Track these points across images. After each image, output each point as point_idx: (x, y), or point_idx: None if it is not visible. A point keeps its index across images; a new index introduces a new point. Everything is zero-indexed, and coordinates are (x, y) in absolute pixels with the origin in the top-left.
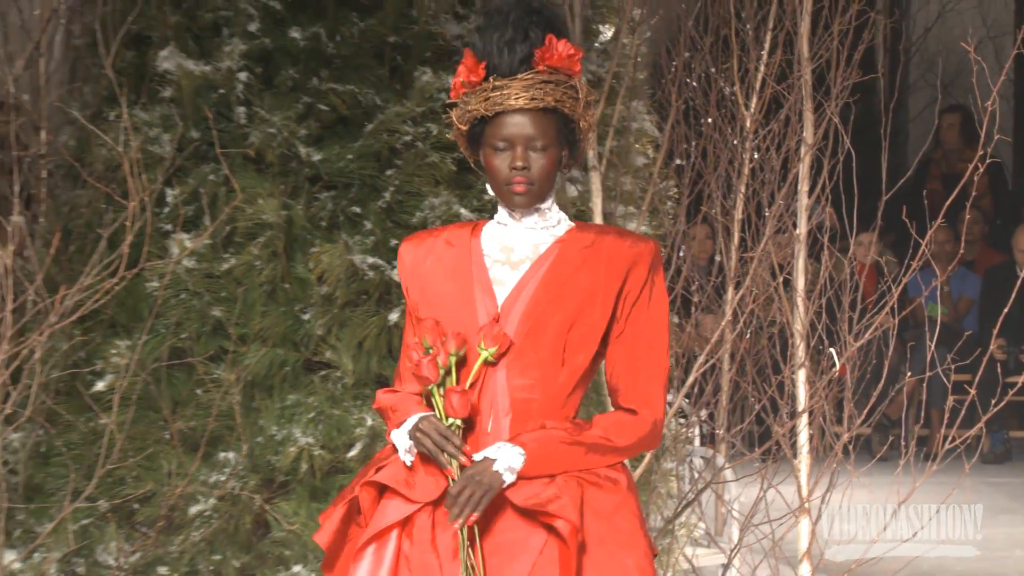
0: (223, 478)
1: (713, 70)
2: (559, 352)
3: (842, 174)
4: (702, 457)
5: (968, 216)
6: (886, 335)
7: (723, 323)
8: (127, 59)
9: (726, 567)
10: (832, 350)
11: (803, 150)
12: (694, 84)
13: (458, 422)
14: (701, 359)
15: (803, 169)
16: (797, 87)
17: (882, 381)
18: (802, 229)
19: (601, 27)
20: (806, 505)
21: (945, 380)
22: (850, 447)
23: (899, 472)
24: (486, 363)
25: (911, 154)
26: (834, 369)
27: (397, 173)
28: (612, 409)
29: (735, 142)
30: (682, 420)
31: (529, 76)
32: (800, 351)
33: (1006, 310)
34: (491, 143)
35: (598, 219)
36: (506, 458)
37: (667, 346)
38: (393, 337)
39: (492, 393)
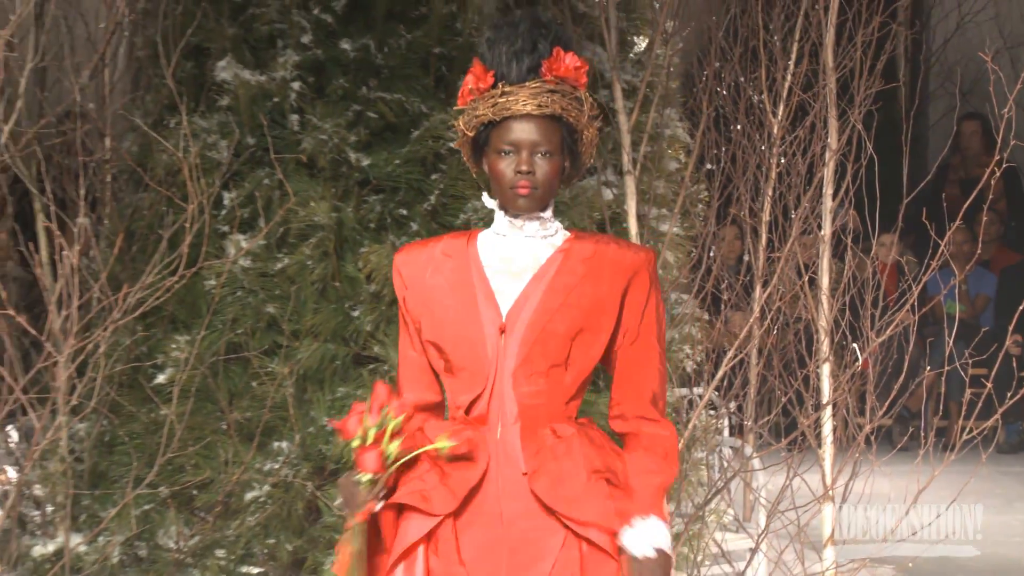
0: (277, 466)
1: (742, 79)
2: (564, 359)
3: (865, 178)
4: (731, 447)
5: (985, 218)
6: (907, 331)
7: (751, 320)
8: (187, 70)
9: (753, 551)
10: (855, 345)
11: (828, 155)
12: (724, 93)
13: (367, 477)
14: (730, 354)
15: (828, 173)
16: (822, 95)
17: (903, 375)
18: (827, 230)
19: (636, 39)
20: (830, 492)
21: (963, 374)
22: (872, 438)
23: (919, 461)
24: (438, 453)
25: (931, 159)
26: (857, 363)
27: (441, 177)
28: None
29: (763, 148)
30: (712, 412)
31: (536, 84)
32: (824, 346)
33: (1021, 307)
34: (497, 147)
35: (633, 220)
36: (653, 537)
37: (664, 350)
38: None
39: (500, 401)
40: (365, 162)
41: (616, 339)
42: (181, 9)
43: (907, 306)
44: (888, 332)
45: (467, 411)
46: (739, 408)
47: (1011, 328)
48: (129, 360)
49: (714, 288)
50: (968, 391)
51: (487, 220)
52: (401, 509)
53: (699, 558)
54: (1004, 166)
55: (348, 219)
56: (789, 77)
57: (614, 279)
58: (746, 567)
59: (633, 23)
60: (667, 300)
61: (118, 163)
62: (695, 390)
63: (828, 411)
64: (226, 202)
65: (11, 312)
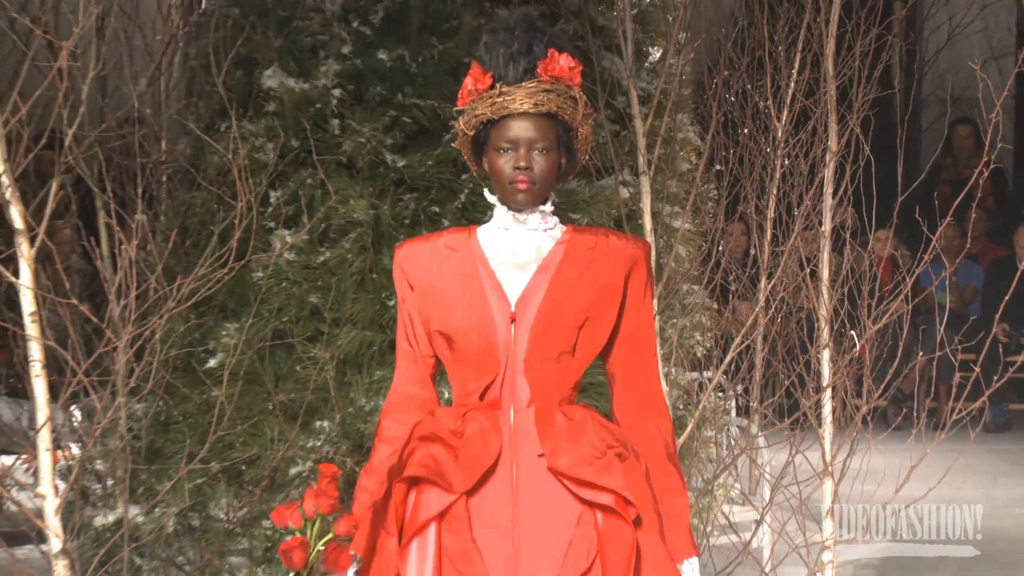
0: (319, 444)
1: (749, 87)
2: (572, 346)
3: (862, 178)
4: (738, 426)
5: (974, 215)
6: (901, 320)
7: (757, 309)
8: (236, 78)
9: (758, 523)
10: (853, 332)
11: (828, 157)
12: (732, 99)
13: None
14: (737, 340)
15: (828, 174)
16: (823, 101)
17: (897, 360)
18: (827, 226)
19: (651, 49)
20: (829, 468)
21: (952, 359)
22: (869, 418)
23: (911, 440)
24: None
25: (924, 161)
26: (855, 349)
27: (471, 177)
28: (611, 387)
29: (768, 150)
30: (720, 394)
31: (532, 84)
32: (824, 333)
33: (1007, 297)
34: (496, 145)
35: (647, 217)
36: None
37: (656, 336)
38: None
39: (512, 387)
40: (400, 163)
41: (619, 327)
42: (231, 22)
43: (901, 296)
44: (883, 320)
45: (481, 396)
46: (745, 390)
47: (997, 317)
48: (183, 346)
49: (723, 279)
50: (957, 375)
51: None
52: (411, 484)
53: (708, 528)
54: (992, 167)
55: (385, 216)
56: (792, 84)
57: (617, 267)
58: (752, 537)
59: (648, 35)
60: (679, 291)
61: (173, 164)
62: (705, 374)
63: (828, 393)
64: (272, 200)
65: (75, 301)
